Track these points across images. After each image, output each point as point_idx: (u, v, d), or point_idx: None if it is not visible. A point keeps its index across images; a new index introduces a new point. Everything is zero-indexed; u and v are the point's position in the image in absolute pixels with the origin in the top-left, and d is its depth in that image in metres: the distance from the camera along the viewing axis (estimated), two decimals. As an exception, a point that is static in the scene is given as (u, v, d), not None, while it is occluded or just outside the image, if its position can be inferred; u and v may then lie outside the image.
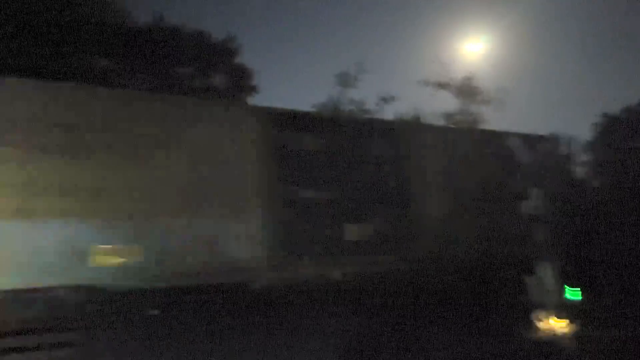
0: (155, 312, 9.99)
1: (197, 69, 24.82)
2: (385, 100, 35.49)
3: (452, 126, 18.44)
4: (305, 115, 15.68)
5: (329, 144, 13.78)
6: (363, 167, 13.83)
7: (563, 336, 10.63)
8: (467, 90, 36.65)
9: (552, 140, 24.98)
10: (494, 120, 42.02)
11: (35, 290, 9.40)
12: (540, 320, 11.55)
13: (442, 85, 36.20)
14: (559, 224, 14.35)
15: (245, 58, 26.32)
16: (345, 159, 13.79)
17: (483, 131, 20.64)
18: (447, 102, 37.50)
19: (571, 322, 11.10)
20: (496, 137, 17.97)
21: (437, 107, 40.98)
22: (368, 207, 13.95)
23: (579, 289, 12.69)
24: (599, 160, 37.59)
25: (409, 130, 15.50)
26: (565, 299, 12.45)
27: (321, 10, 75.30)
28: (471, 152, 15.38)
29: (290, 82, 67.23)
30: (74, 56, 20.42)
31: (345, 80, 35.08)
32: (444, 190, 14.71)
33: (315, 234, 12.89)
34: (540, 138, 23.74)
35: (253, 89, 26.45)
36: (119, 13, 21.62)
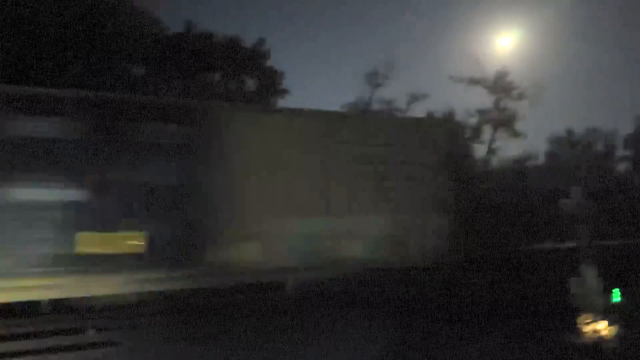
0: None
1: (229, 74, 25.31)
2: (417, 98, 35.43)
3: (293, 108, 15.46)
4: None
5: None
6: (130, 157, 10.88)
7: (605, 339, 10.31)
8: (501, 85, 36.02)
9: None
10: (530, 116, 41.28)
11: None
12: (582, 323, 11.24)
13: (475, 81, 35.74)
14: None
15: (275, 60, 26.81)
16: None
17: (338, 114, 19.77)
18: (482, 98, 37.05)
19: (612, 324, 10.77)
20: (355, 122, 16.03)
21: (471, 103, 40.37)
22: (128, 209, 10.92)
23: (618, 289, 12.33)
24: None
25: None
26: (608, 300, 12.11)
27: (349, 10, 75.22)
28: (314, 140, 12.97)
29: (320, 82, 67.58)
30: (112, 64, 21.18)
31: (375, 79, 35.21)
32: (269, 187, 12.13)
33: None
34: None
35: (284, 92, 26.77)
36: (152, 22, 22.29)
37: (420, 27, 74.70)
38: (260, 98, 25.38)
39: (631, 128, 36.82)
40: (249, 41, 25.81)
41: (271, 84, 26.25)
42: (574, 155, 36.89)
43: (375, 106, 36.43)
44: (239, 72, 25.35)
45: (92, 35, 20.04)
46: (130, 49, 20.88)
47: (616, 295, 12.30)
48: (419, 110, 45.02)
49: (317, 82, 66.49)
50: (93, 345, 9.96)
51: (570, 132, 38.16)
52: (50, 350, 9.49)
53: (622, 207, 30.40)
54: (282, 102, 27.10)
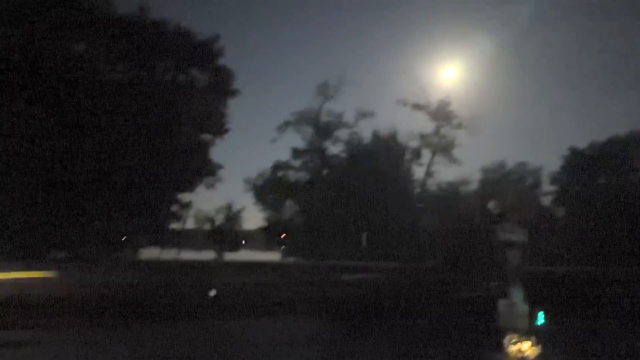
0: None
1: (179, 65, 24.36)
2: (364, 115, 36.15)
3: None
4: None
5: None
6: None
7: (529, 359, 10.74)
8: (442, 113, 37.70)
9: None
10: (468, 145, 43.25)
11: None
12: (508, 343, 11.66)
13: (419, 107, 37.17)
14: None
15: (227, 60, 26.16)
16: None
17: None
18: (424, 123, 38.47)
19: (535, 345, 11.24)
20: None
21: (414, 126, 41.72)
22: None
23: (542, 312, 12.96)
24: (563, 191, 39.06)
25: None
26: (532, 322, 12.67)
27: (305, 24, 75.79)
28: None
29: (271, 87, 67.27)
30: (48, 38, 19.63)
31: (326, 91, 35.54)
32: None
33: None
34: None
35: (235, 92, 26.17)
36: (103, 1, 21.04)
37: (374, 48, 76.77)
38: (210, 95, 24.63)
39: (557, 165, 39.70)
40: (202, 37, 25.07)
41: (222, 82, 25.59)
42: (505, 185, 39.00)
43: (324, 117, 36.96)
44: (189, 65, 24.48)
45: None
46: (71, 22, 19.53)
47: (540, 318, 12.95)
48: (365, 127, 46.38)
49: (268, 87, 66.24)
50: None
51: (502, 164, 40.48)
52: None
53: (547, 237, 32.59)
54: (232, 103, 26.51)
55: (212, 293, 9.76)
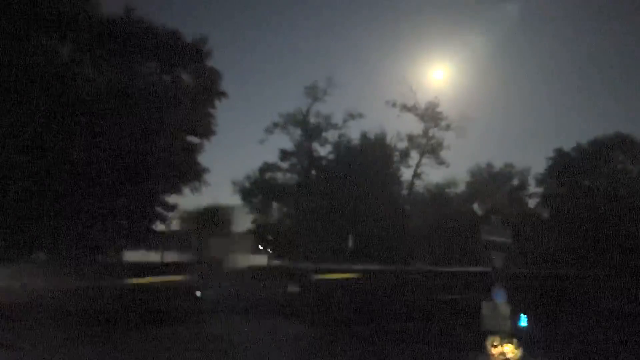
0: None
1: (165, 67, 24.11)
2: (352, 116, 36.17)
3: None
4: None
5: None
6: None
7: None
8: (431, 115, 37.83)
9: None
10: (455, 146, 43.47)
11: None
12: (490, 345, 11.67)
13: (407, 108, 37.26)
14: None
15: (215, 62, 25.88)
16: None
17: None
18: (412, 125, 38.58)
19: (517, 347, 11.27)
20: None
21: (402, 128, 41.73)
22: None
23: (525, 315, 13.04)
24: (549, 193, 39.38)
25: None
26: (515, 324, 12.73)
27: (294, 24, 75.75)
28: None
29: (258, 89, 67.06)
30: (33, 40, 19.34)
31: (314, 93, 35.50)
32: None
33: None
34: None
35: (222, 94, 25.94)
36: (86, 1, 20.76)
37: (362, 50, 76.88)
38: (197, 97, 24.40)
39: (543, 167, 40.03)
40: (190, 38, 24.82)
41: (209, 83, 25.35)
42: (492, 186, 39.25)
43: (312, 119, 36.93)
44: (176, 66, 24.22)
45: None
46: (53, 23, 19.23)
47: (523, 320, 13.02)
48: (353, 129, 46.34)
49: (256, 89, 66.05)
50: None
51: (489, 165, 40.75)
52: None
53: (531, 238, 32.86)
54: (219, 105, 26.29)
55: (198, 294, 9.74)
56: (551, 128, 69.86)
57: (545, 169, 39.72)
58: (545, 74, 69.39)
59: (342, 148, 36.34)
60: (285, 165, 36.22)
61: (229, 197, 36.80)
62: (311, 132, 35.75)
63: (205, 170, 26.09)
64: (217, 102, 26.06)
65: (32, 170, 19.53)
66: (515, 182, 40.81)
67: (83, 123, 20.45)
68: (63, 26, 20.04)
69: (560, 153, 39.41)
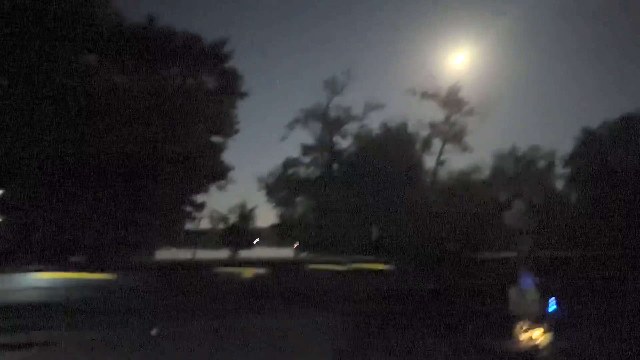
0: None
1: (188, 71, 24.71)
2: (373, 107, 36.13)
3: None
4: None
5: None
6: None
7: (541, 346, 10.77)
8: (453, 100, 37.35)
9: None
10: (478, 130, 42.92)
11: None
12: (519, 330, 11.72)
13: (428, 95, 36.91)
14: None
15: (235, 62, 26.34)
16: None
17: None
18: (434, 112, 38.21)
19: (547, 332, 11.22)
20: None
21: (423, 116, 41.32)
22: None
23: (554, 299, 13.00)
24: (577, 174, 38.50)
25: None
26: (544, 308, 12.73)
27: (309, 19, 75.61)
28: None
29: (279, 86, 67.45)
30: (61, 51, 20.12)
31: (333, 86, 35.59)
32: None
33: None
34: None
35: (243, 95, 26.46)
36: (111, 10, 21.45)
37: (380, 40, 76.27)
38: (220, 98, 24.96)
39: (570, 147, 39.15)
40: (210, 41, 25.33)
41: (230, 84, 25.87)
42: (518, 170, 38.64)
43: (333, 112, 37.07)
44: (198, 69, 24.81)
45: (41, 17, 19.09)
46: (82, 35, 20.01)
47: (552, 304, 13.02)
48: (374, 119, 46.17)
49: (276, 86, 66.44)
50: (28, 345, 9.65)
51: (514, 148, 40.05)
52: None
53: (560, 221, 32.31)
54: (240, 104, 26.80)
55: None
56: (577, 106, 68.03)
57: (572, 149, 38.88)
58: (568, 51, 67.46)
59: (364, 140, 36.38)
60: (307, 159, 36.49)
61: (253, 194, 37.35)
62: (332, 125, 35.87)
63: (230, 168, 26.75)
64: (238, 102, 26.64)
65: (70, 174, 20.46)
66: (541, 164, 40.08)
67: (114, 129, 21.26)
68: (89, 36, 20.82)
69: (587, 132, 38.38)
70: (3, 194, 12.34)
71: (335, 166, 36.67)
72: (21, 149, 19.56)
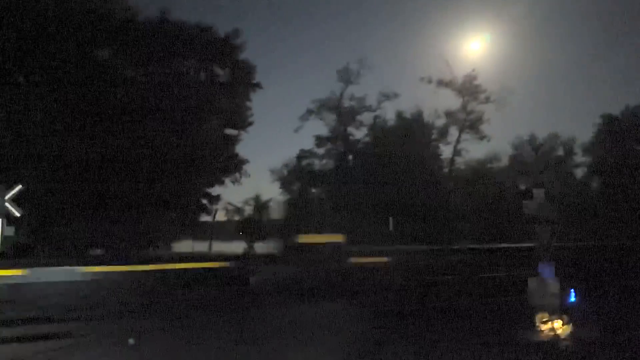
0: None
1: (202, 63, 24.72)
2: (387, 96, 35.68)
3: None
4: None
5: None
6: None
7: (561, 337, 10.59)
8: (469, 88, 36.71)
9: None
10: (495, 118, 42.17)
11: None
12: (539, 321, 11.53)
13: (444, 83, 36.33)
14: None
15: (248, 54, 26.31)
16: None
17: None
18: (450, 100, 37.62)
19: (567, 323, 11.04)
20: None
21: (439, 104, 40.81)
22: None
23: (574, 290, 12.74)
24: (597, 161, 37.59)
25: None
26: (564, 299, 12.49)
27: (322, 9, 74.97)
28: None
29: (292, 77, 67.26)
30: (75, 46, 20.29)
31: (347, 76, 35.22)
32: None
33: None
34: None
35: (256, 86, 26.39)
36: (123, 6, 21.52)
37: (393, 28, 75.45)
38: (233, 90, 24.94)
39: (590, 135, 38.24)
40: (223, 33, 25.29)
41: (244, 76, 25.82)
42: (536, 158, 37.92)
43: (346, 103, 36.74)
44: (211, 61, 24.79)
45: (56, 14, 19.24)
46: (94, 31, 20.14)
47: (572, 295, 12.76)
48: (389, 109, 45.59)
49: (290, 78, 66.30)
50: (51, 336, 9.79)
51: (533, 137, 39.27)
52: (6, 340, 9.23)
53: (580, 210, 31.65)
54: (253, 96, 26.74)
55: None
56: (598, 93, 66.49)
57: (593, 137, 37.99)
58: (587, 36, 65.88)
59: (378, 130, 36.00)
60: (321, 151, 36.38)
61: (268, 186, 37.34)
62: (346, 116, 35.58)
63: (244, 161, 26.78)
64: (252, 94, 26.61)
65: (88, 168, 20.71)
66: (561, 152, 39.25)
67: (129, 123, 21.42)
68: (107, 34, 20.95)
69: (608, 118, 37.45)
70: (22, 189, 12.57)
71: (350, 157, 36.42)
72: (40, 144, 19.87)
